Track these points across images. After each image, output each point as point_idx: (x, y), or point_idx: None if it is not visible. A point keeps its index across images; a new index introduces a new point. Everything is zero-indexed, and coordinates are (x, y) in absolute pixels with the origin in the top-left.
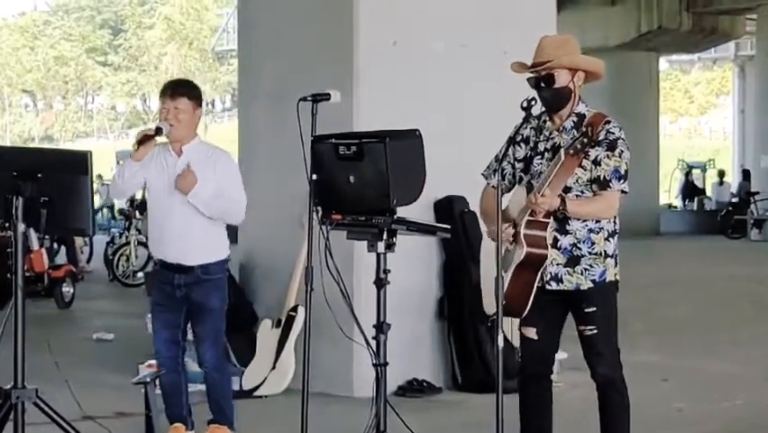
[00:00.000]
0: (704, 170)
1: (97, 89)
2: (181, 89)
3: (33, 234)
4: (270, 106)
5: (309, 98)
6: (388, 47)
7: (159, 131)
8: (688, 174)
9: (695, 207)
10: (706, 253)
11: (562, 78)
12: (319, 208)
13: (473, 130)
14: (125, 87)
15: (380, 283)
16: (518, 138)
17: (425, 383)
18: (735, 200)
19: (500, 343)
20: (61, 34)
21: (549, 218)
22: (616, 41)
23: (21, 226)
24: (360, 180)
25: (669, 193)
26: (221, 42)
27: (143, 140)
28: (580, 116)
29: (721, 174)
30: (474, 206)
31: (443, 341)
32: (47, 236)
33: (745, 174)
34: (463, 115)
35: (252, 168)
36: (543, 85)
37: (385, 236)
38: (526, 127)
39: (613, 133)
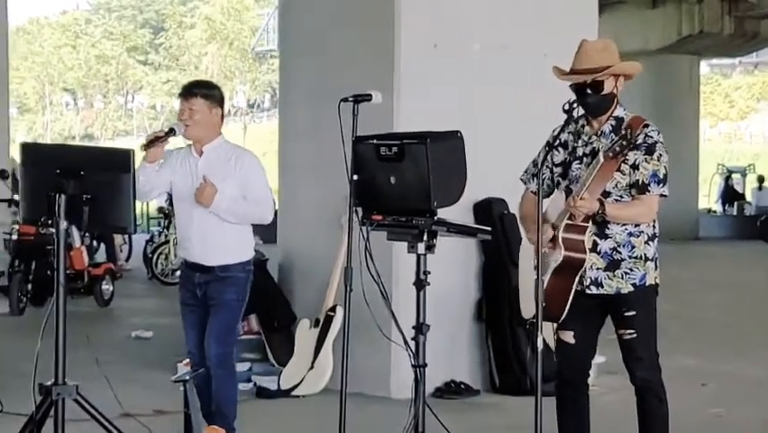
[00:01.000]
0: (744, 174)
1: (138, 88)
2: (195, 90)
3: (75, 232)
4: (311, 107)
5: (350, 99)
6: (429, 49)
7: (171, 132)
8: (727, 179)
9: (734, 212)
10: (745, 258)
11: (608, 85)
12: (359, 209)
13: (513, 132)
14: (165, 87)
15: (420, 284)
16: (556, 143)
17: (462, 385)
18: None
19: (540, 346)
20: (103, 33)
21: (588, 222)
22: (656, 44)
23: (63, 224)
24: (400, 181)
25: (708, 198)
26: (261, 42)
27: (153, 141)
28: (619, 120)
29: (761, 179)
30: (514, 208)
31: (481, 343)
32: (87, 234)
33: None
34: (503, 116)
35: (292, 168)
36: (589, 91)
37: (425, 237)
38: (564, 131)
39: (651, 137)
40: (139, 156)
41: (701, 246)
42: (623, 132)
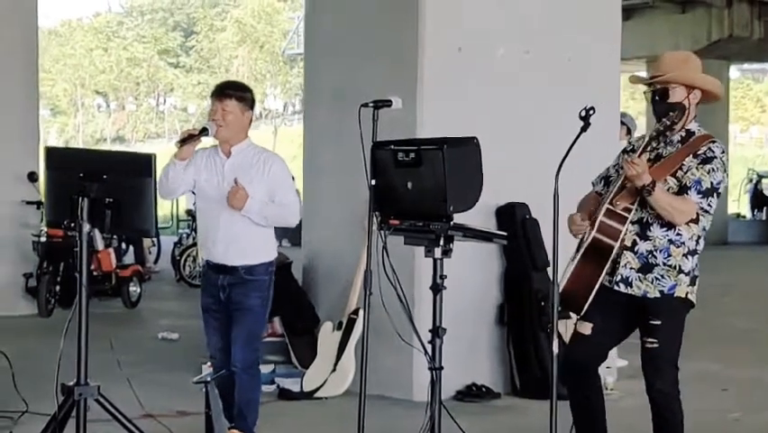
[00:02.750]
0: None
1: (169, 91)
2: (229, 91)
3: (98, 235)
4: (335, 110)
5: (371, 104)
6: (453, 53)
7: (204, 131)
8: (757, 183)
9: (764, 217)
10: None
11: (677, 95)
12: (378, 213)
13: (537, 137)
14: (196, 89)
15: (437, 288)
16: (629, 148)
17: (483, 388)
18: None
19: (555, 350)
20: (134, 36)
21: (629, 213)
22: (685, 49)
23: (86, 227)
24: (417, 186)
25: (738, 202)
26: (291, 46)
27: (187, 139)
28: (689, 133)
29: None
30: (536, 213)
31: (503, 347)
32: (115, 237)
33: None
34: (527, 121)
35: (317, 171)
36: (657, 99)
37: (442, 242)
38: (638, 139)
39: (713, 152)
40: (162, 160)
41: (729, 251)
42: (666, 117)
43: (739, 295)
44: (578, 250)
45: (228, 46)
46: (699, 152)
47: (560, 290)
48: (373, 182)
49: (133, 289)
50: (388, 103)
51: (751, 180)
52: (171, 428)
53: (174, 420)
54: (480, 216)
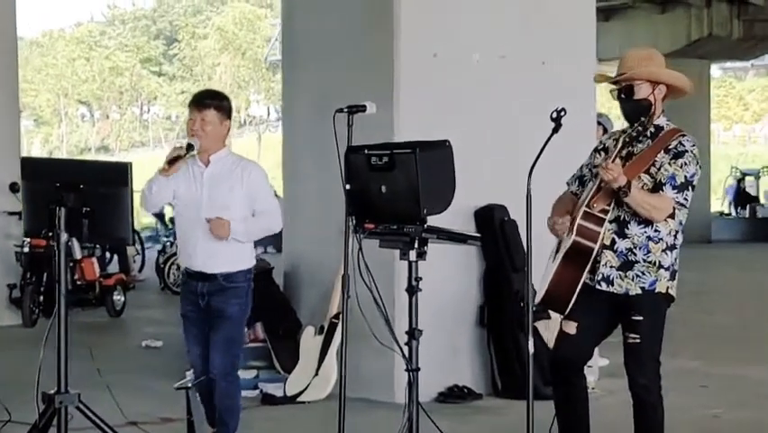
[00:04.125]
0: (758, 177)
1: (152, 99)
2: (207, 101)
3: (76, 244)
4: (313, 116)
5: (345, 110)
6: (428, 59)
7: (190, 147)
8: (740, 181)
9: (747, 215)
10: (756, 261)
11: (642, 91)
12: (353, 217)
13: (514, 140)
14: (180, 98)
15: (412, 290)
16: (600, 147)
17: (465, 390)
18: None
19: (531, 350)
20: (116, 45)
21: (605, 215)
22: (665, 48)
23: (64, 236)
24: (391, 190)
25: (722, 201)
26: (273, 52)
27: (175, 159)
28: (658, 128)
29: None
30: (514, 214)
31: (483, 348)
32: (98, 246)
33: None
34: (504, 125)
35: (297, 177)
36: (623, 96)
37: (416, 245)
38: (609, 138)
39: (684, 145)
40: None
41: (713, 249)
42: (641, 120)
43: (721, 292)
44: (557, 250)
45: (211, 54)
46: (670, 147)
47: (543, 292)
48: (348, 186)
49: (117, 297)
50: (362, 108)
51: (734, 178)
52: None
53: (158, 427)
54: (458, 218)
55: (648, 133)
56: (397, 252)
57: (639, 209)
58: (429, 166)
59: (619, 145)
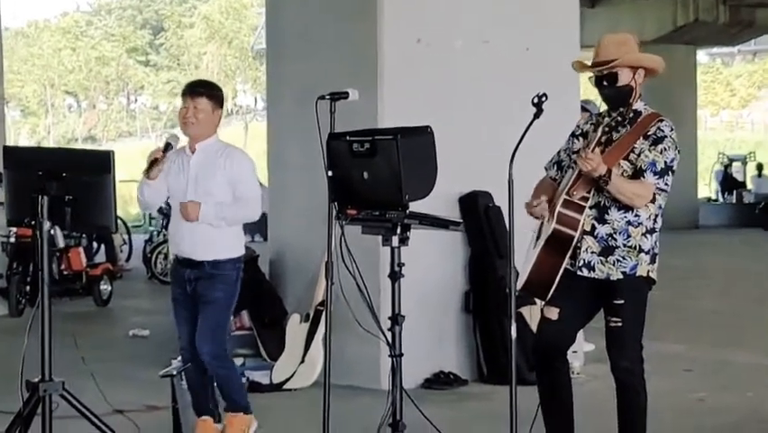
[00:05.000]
0: (744, 162)
1: (139, 89)
2: (201, 89)
3: (59, 232)
4: (298, 104)
5: (327, 97)
6: (412, 45)
7: (168, 146)
8: (727, 167)
9: (734, 200)
10: (742, 246)
11: (624, 77)
12: (335, 204)
13: (497, 126)
14: (167, 87)
15: (395, 277)
16: (578, 132)
17: (451, 376)
18: None
19: (513, 335)
20: (102, 35)
21: (586, 202)
22: (652, 34)
23: (46, 225)
24: (373, 176)
25: (709, 186)
26: (260, 41)
27: (153, 163)
28: (637, 113)
29: (760, 167)
30: (499, 200)
31: (469, 334)
32: (84, 235)
33: None
34: (487, 111)
35: (282, 165)
36: (606, 83)
37: (398, 231)
38: (587, 123)
39: (663, 131)
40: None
41: (700, 235)
42: (620, 110)
43: (708, 278)
44: (538, 236)
45: (197, 43)
46: (649, 133)
47: (524, 278)
48: (330, 173)
49: (104, 287)
50: (344, 95)
51: (721, 164)
52: (141, 422)
53: (144, 415)
54: (443, 204)
55: (627, 119)
56: (381, 239)
57: (620, 197)
58: (411, 152)
59: (599, 133)
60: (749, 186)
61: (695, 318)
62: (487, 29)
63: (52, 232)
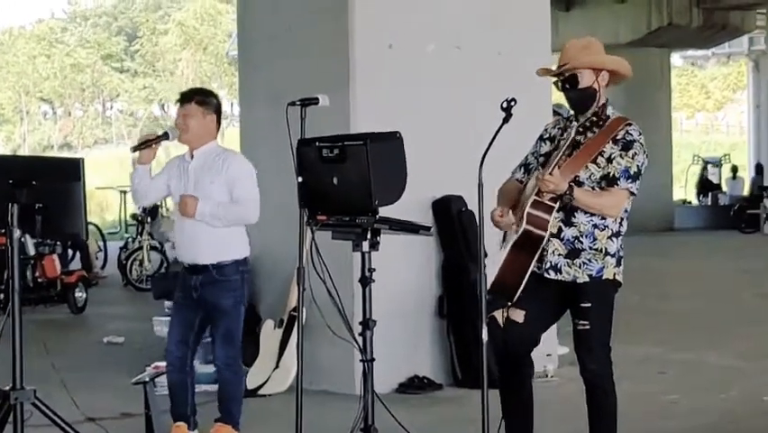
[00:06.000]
0: (719, 165)
1: (115, 96)
2: (191, 96)
3: (29, 240)
4: (269, 109)
5: (298, 103)
6: (383, 50)
7: (165, 135)
8: (703, 170)
9: (709, 202)
10: (717, 248)
11: (585, 79)
12: (306, 210)
13: (469, 131)
14: (142, 93)
15: (365, 281)
16: (546, 135)
17: (425, 380)
18: (748, 195)
19: (485, 338)
20: (77, 42)
21: (555, 203)
22: (626, 38)
23: (16, 232)
24: (343, 182)
25: (685, 189)
26: (235, 47)
27: (144, 143)
28: (605, 117)
29: (734, 169)
30: (472, 205)
31: (443, 338)
32: (58, 243)
33: (758, 169)
34: (460, 115)
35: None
36: (567, 86)
37: (369, 236)
38: (555, 126)
39: (631, 135)
40: (117, 164)
41: (675, 237)
42: (595, 111)
43: (683, 279)
44: (504, 239)
45: (172, 49)
46: (618, 138)
47: (494, 279)
48: (300, 179)
49: (79, 294)
50: (314, 101)
51: (698, 166)
52: (114, 430)
53: (117, 422)
54: (416, 209)
55: (596, 122)
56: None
57: (590, 210)
58: (380, 157)
59: (567, 142)
60: (724, 188)
61: (670, 320)
62: (458, 33)
63: (23, 240)
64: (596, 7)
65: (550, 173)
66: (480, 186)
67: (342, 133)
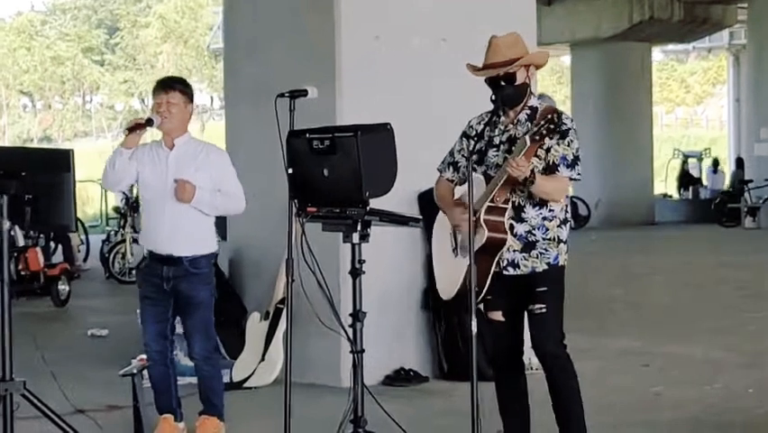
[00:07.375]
0: (700, 159)
1: (95, 89)
2: (174, 83)
3: (19, 232)
4: (255, 103)
5: (287, 95)
6: (370, 42)
7: (149, 122)
8: (684, 164)
9: (690, 196)
10: (698, 242)
11: (520, 76)
12: (296, 201)
13: (455, 123)
14: (123, 87)
15: (355, 273)
16: (471, 133)
17: (411, 373)
18: (729, 188)
19: (474, 330)
20: (57, 34)
21: (507, 204)
22: (607, 32)
23: (6, 224)
24: (333, 173)
25: (665, 183)
26: (216, 40)
27: (134, 128)
28: (533, 109)
29: (715, 163)
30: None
31: (429, 331)
32: (42, 235)
33: (739, 162)
34: (446, 108)
35: (240, 164)
36: (504, 84)
37: (359, 227)
38: (479, 123)
39: (565, 124)
40: (97, 157)
41: (656, 231)
42: (548, 117)
43: (665, 273)
44: (454, 246)
45: (153, 42)
46: (552, 128)
47: (458, 287)
48: (290, 171)
49: (62, 287)
50: (303, 93)
51: (678, 160)
52: (102, 422)
53: (104, 414)
54: (402, 201)
55: (525, 116)
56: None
57: (542, 195)
58: (370, 149)
59: (496, 132)
60: (704, 182)
61: (652, 314)
62: (445, 27)
63: (12, 232)
64: (578, 2)
65: (519, 158)
66: (470, 178)
67: (331, 125)
